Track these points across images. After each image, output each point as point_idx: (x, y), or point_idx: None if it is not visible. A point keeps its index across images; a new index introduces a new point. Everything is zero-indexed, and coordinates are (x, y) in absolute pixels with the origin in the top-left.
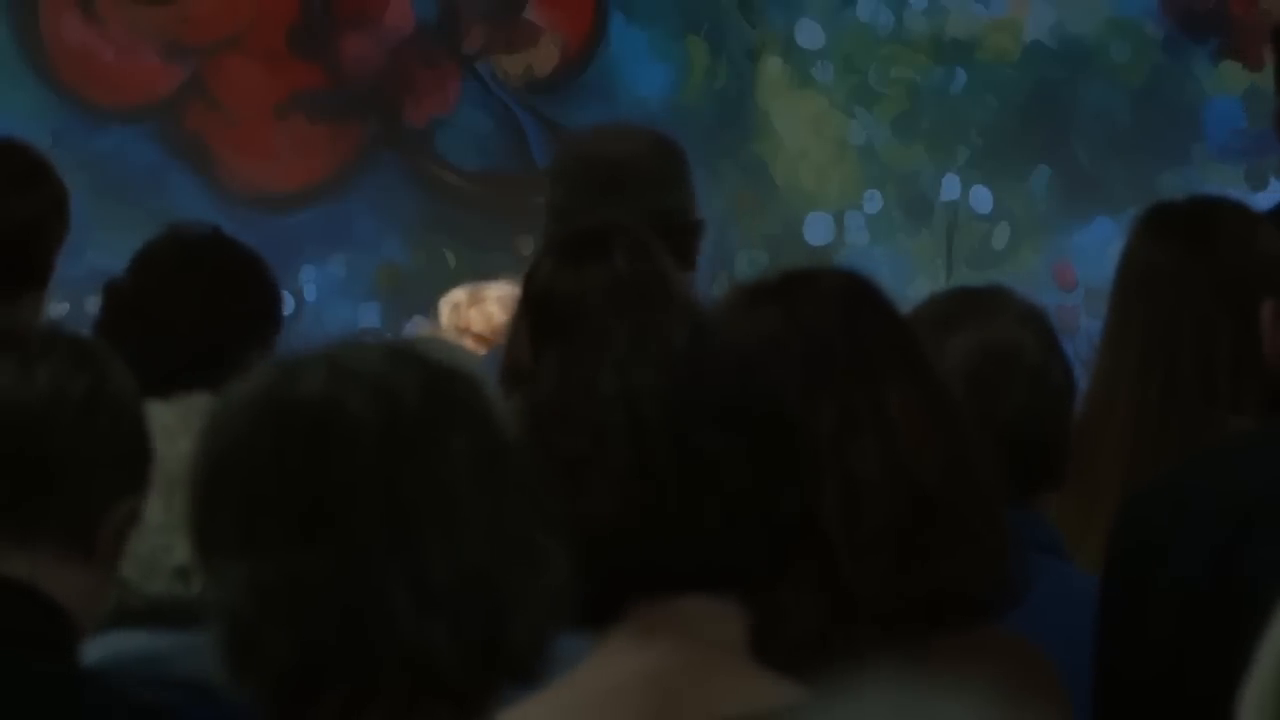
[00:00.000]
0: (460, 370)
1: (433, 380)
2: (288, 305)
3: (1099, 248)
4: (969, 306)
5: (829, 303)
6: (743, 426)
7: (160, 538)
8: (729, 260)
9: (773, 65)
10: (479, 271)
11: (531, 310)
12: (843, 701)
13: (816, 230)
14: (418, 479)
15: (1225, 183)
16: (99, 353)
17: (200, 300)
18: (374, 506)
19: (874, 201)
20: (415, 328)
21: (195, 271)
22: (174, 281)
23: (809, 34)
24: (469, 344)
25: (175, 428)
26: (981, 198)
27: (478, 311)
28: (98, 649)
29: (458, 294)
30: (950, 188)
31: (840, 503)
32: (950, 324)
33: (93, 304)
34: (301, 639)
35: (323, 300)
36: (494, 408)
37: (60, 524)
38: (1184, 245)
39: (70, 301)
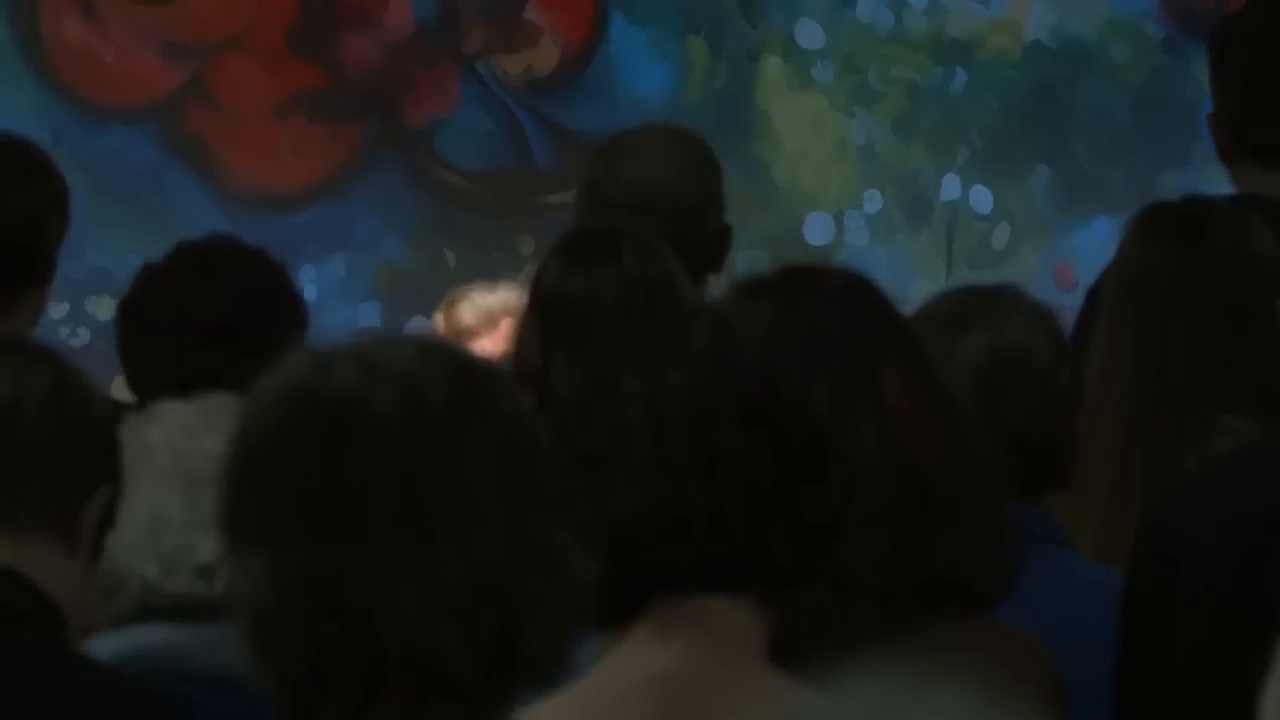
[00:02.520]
0: (493, 368)
1: (462, 378)
2: None
3: (1099, 248)
4: (980, 306)
5: (827, 293)
6: (765, 425)
7: (182, 536)
8: (729, 260)
9: (773, 65)
10: (479, 271)
11: (540, 312)
12: (832, 701)
13: (816, 230)
14: (435, 480)
15: (1225, 183)
16: (58, 354)
17: (233, 298)
18: (388, 507)
19: (874, 201)
20: (415, 328)
21: (224, 271)
22: (202, 283)
23: (809, 34)
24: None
25: (197, 425)
26: (981, 198)
27: (446, 316)
28: (119, 642)
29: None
30: (950, 188)
31: (834, 479)
32: (961, 324)
33: (92, 304)
34: (313, 635)
35: (323, 300)
36: (523, 407)
37: (37, 511)
38: (1176, 245)
39: (70, 302)
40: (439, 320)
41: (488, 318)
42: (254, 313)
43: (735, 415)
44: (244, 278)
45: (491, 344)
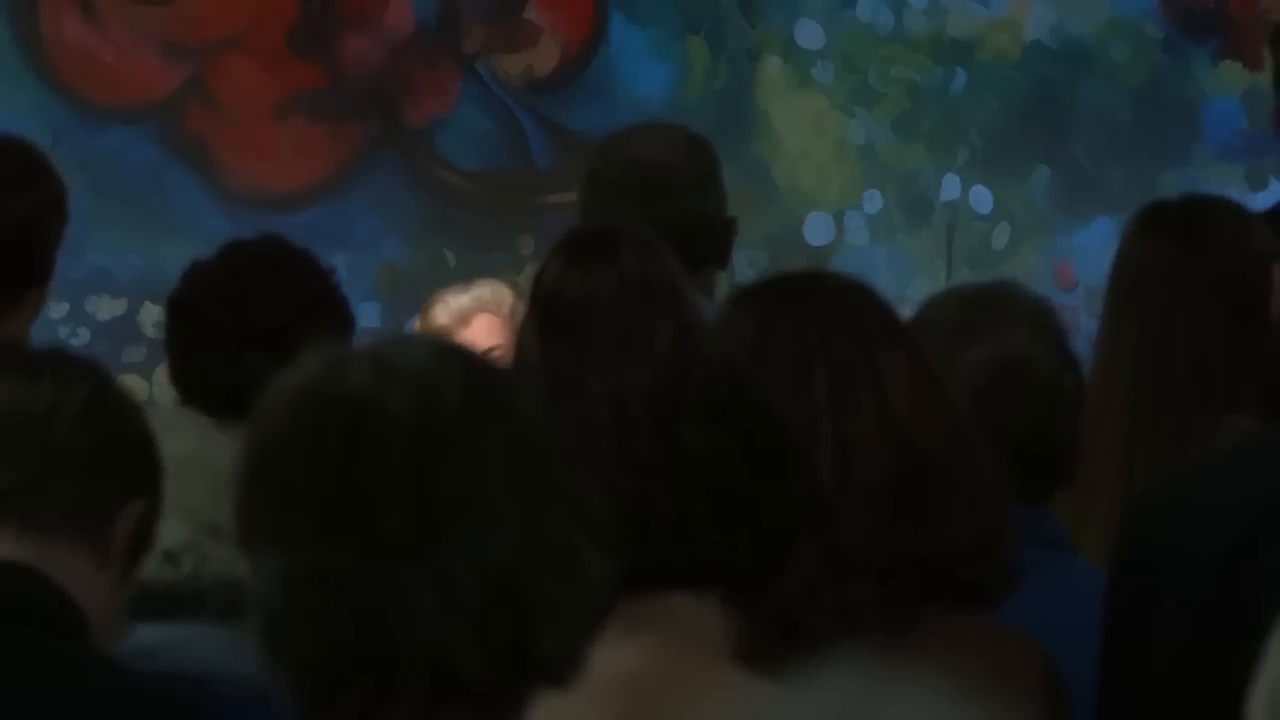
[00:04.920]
0: (505, 371)
1: (476, 379)
2: None
3: (1099, 248)
4: (981, 313)
5: (828, 291)
6: (730, 426)
7: None
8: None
9: (773, 65)
10: (479, 271)
11: (539, 310)
12: (795, 694)
13: (816, 230)
14: (449, 481)
15: (1225, 183)
16: (98, 366)
17: (289, 301)
18: (402, 507)
19: (874, 201)
20: (415, 328)
21: (279, 273)
22: (259, 284)
23: (809, 34)
24: None
25: (159, 432)
26: (981, 198)
27: (422, 321)
28: None
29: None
30: (950, 188)
31: (833, 456)
32: (963, 334)
33: (92, 304)
34: (326, 635)
35: None
36: (536, 410)
37: (66, 517)
38: (1177, 243)
39: (70, 302)
40: (417, 325)
41: (459, 316)
42: (307, 316)
43: (700, 414)
44: (298, 280)
45: (464, 342)
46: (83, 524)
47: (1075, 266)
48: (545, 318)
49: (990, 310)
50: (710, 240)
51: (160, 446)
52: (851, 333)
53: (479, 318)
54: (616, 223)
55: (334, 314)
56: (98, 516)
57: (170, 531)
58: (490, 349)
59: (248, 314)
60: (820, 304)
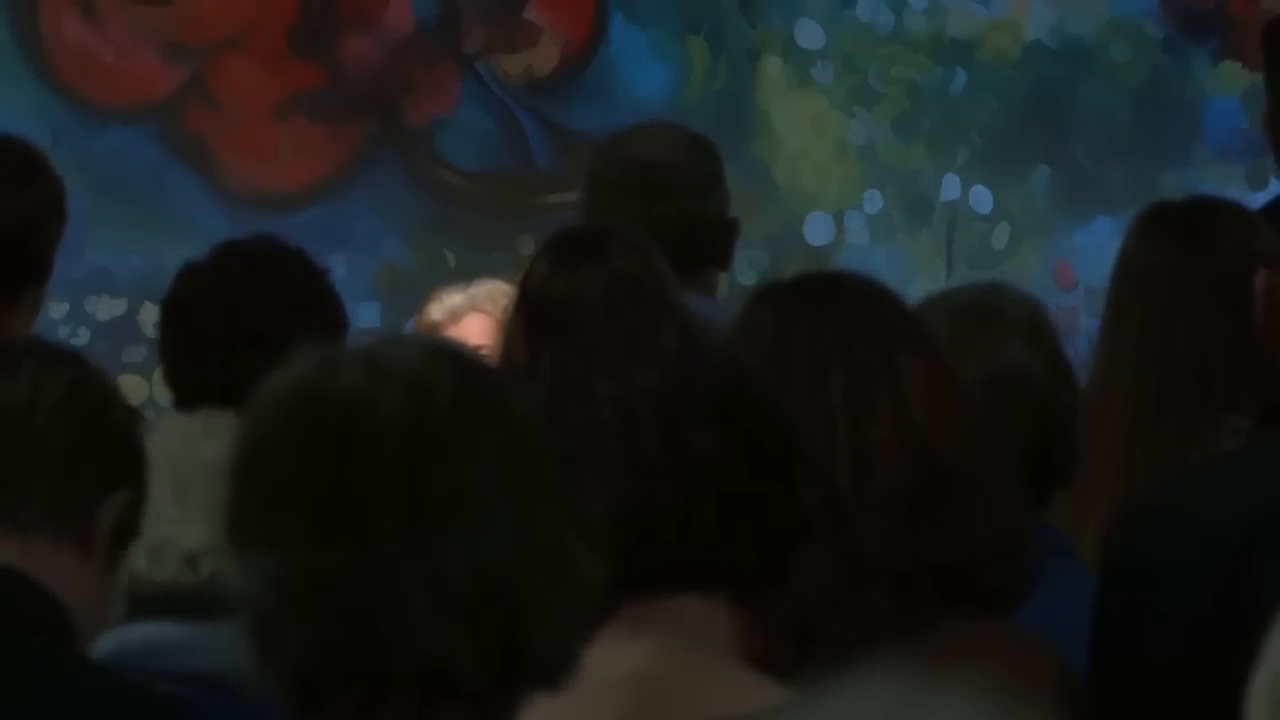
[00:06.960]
0: (498, 371)
1: (469, 379)
2: None
3: (1099, 248)
4: (974, 327)
5: (846, 292)
6: (736, 428)
7: (171, 528)
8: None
9: (773, 65)
10: (479, 271)
11: (526, 311)
12: (831, 701)
13: (816, 230)
14: (441, 482)
15: (1225, 183)
16: (78, 358)
17: (284, 304)
18: (394, 508)
19: (874, 201)
20: (413, 326)
21: (274, 275)
22: (253, 287)
23: (809, 34)
24: None
25: (196, 433)
26: (981, 198)
27: (418, 318)
28: (106, 641)
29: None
30: (950, 188)
31: (850, 460)
32: (957, 349)
33: (92, 304)
34: (318, 636)
35: None
36: (530, 410)
37: (46, 513)
38: (1180, 244)
39: (70, 301)
40: (414, 323)
41: (451, 314)
42: (299, 318)
43: (706, 416)
44: (293, 282)
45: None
46: (64, 520)
47: (1075, 266)
48: (532, 318)
49: (984, 322)
50: (712, 240)
51: (195, 449)
52: (871, 335)
53: (471, 316)
54: (605, 223)
55: (327, 316)
56: (79, 511)
57: (191, 535)
58: (479, 348)
59: (238, 317)
60: (840, 305)
